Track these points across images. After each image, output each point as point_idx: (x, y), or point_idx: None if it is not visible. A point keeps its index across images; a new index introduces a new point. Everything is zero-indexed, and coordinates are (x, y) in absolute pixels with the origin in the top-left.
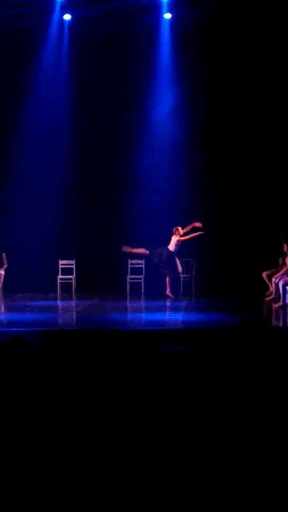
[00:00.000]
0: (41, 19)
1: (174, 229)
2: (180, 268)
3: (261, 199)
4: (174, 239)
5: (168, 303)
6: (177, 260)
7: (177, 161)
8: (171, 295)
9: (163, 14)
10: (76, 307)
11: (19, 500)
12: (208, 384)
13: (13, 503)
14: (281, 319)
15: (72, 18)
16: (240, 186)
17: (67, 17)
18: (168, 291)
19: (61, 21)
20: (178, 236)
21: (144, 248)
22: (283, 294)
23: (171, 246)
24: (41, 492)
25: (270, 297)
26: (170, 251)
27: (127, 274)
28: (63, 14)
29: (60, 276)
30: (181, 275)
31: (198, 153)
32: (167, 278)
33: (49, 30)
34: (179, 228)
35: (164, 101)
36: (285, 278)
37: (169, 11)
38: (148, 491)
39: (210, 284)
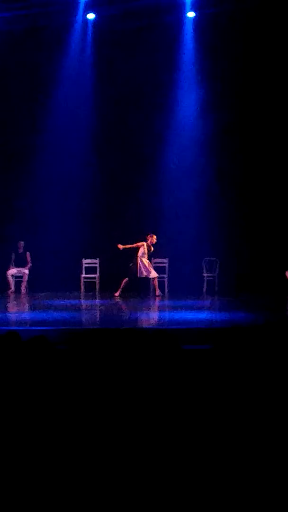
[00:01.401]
0: (65, 18)
1: (149, 235)
2: (143, 272)
3: (286, 198)
4: (144, 245)
5: (191, 302)
6: (142, 263)
7: (202, 160)
8: (160, 294)
9: (187, 13)
10: (99, 306)
11: (40, 494)
12: (232, 383)
13: (33, 497)
14: None
15: (96, 17)
16: (264, 185)
17: (91, 16)
18: (157, 292)
19: (85, 20)
20: (150, 244)
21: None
22: None
23: (140, 251)
24: (64, 486)
25: None
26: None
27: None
28: (87, 13)
29: (83, 275)
30: (148, 276)
31: (223, 152)
32: (154, 281)
33: (73, 29)
34: (155, 236)
35: (188, 99)
36: None
37: (193, 9)
38: (174, 490)
39: (234, 282)
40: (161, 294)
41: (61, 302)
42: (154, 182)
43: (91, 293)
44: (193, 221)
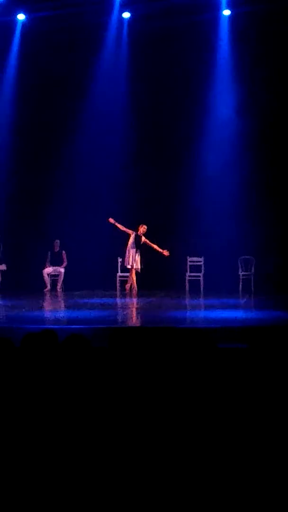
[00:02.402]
0: (101, 18)
1: (140, 225)
2: (130, 261)
3: None
4: (133, 234)
5: (227, 301)
6: (129, 253)
7: (238, 158)
8: (130, 289)
9: (222, 11)
10: (135, 304)
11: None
12: (268, 382)
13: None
14: None
15: (131, 16)
16: None
17: (126, 15)
18: (127, 286)
19: (121, 19)
20: (140, 234)
21: (132, 230)
22: None
23: (130, 241)
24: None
25: None
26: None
27: (186, 272)
28: (122, 12)
29: (119, 274)
30: (132, 268)
31: (259, 150)
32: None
33: (109, 28)
34: (145, 226)
35: (224, 99)
36: None
37: (228, 7)
38: (216, 489)
39: (270, 281)
40: (128, 291)
41: (97, 301)
42: (190, 180)
43: (126, 291)
44: (229, 219)
